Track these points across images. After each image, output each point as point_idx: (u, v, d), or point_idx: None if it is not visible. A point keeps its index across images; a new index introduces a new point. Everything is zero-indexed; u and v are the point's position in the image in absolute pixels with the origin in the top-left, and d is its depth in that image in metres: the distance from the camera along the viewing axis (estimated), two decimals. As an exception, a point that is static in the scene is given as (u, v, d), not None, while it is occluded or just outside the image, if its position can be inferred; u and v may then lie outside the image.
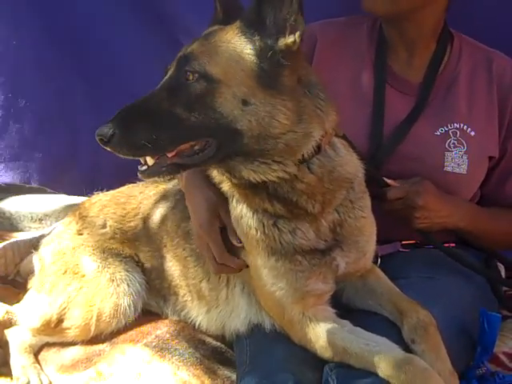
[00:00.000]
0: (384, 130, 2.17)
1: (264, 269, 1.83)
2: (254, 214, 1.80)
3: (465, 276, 2.08)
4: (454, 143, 2.16)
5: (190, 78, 1.56)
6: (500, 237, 2.26)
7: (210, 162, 1.69)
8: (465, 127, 2.17)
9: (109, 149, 1.53)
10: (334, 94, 2.07)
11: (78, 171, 3.49)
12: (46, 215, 3.47)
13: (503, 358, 2.06)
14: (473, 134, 2.17)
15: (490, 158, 2.22)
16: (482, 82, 2.21)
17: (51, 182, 3.53)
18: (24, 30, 3.23)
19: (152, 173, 1.64)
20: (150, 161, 1.61)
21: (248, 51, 1.60)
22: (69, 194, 3.51)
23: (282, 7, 1.55)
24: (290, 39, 1.58)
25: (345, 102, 2.13)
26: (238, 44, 1.61)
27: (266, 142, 1.61)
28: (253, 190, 1.73)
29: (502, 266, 2.36)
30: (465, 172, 2.15)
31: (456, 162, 2.15)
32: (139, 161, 1.64)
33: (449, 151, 2.16)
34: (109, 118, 1.54)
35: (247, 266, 1.93)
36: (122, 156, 1.56)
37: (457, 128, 2.17)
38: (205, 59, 1.58)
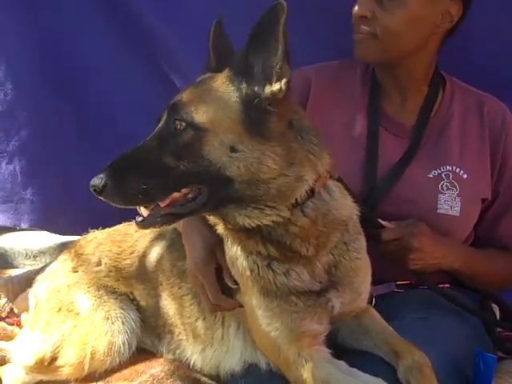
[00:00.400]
0: (378, 172, 2.20)
1: (259, 309, 1.83)
2: (248, 255, 1.81)
3: (460, 317, 2.09)
4: (446, 186, 2.19)
5: (178, 126, 1.61)
6: (494, 278, 2.28)
7: (203, 210, 1.71)
8: (457, 170, 2.21)
9: (102, 198, 1.59)
10: (328, 136, 2.10)
11: (71, 212, 3.45)
12: (41, 252, 3.47)
13: (499, 400, 2.05)
14: (465, 176, 2.21)
15: (483, 199, 2.26)
16: (473, 125, 2.26)
17: (43, 224, 3.50)
18: (21, 74, 3.25)
19: (147, 224, 1.69)
20: (144, 211, 1.68)
21: (235, 99, 1.63)
22: (62, 234, 3.52)
23: (268, 55, 1.59)
24: (275, 87, 1.61)
25: (338, 145, 2.16)
26: (226, 92, 1.65)
27: (257, 187, 1.63)
28: (246, 234, 1.75)
29: (497, 307, 2.37)
30: (458, 214, 2.18)
31: (449, 204, 2.18)
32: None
33: (442, 193, 2.18)
34: (103, 165, 1.61)
35: (241, 306, 1.94)
36: (115, 205, 1.62)
37: (449, 170, 2.21)
38: (192, 108, 1.62)
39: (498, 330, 2.34)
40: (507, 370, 2.16)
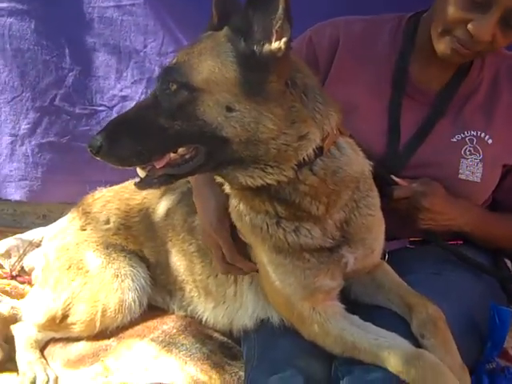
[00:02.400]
0: (401, 137, 2.14)
1: (271, 265, 1.82)
2: (256, 214, 1.79)
3: (473, 272, 2.07)
4: (470, 150, 2.12)
5: (173, 88, 1.58)
6: (506, 242, 2.23)
7: (202, 171, 1.69)
8: (482, 135, 2.13)
9: (98, 158, 1.59)
10: (352, 97, 2.10)
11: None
12: (50, 211, 3.47)
13: (514, 353, 2.06)
14: (490, 141, 2.13)
15: (504, 165, 2.18)
16: (503, 90, 2.16)
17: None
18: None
19: (144, 185, 1.69)
20: (140, 172, 1.65)
21: (231, 58, 1.58)
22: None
23: (269, 13, 1.53)
24: (275, 45, 1.55)
25: (362, 107, 2.14)
26: (223, 51, 1.60)
27: (256, 147, 1.60)
28: (253, 192, 1.72)
29: (510, 262, 2.34)
30: (478, 180, 2.12)
31: (470, 169, 2.12)
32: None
33: (464, 158, 2.12)
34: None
35: (257, 271, 1.93)
36: (112, 165, 1.62)
37: (474, 135, 2.13)
38: (187, 68, 1.59)
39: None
40: (521, 325, 2.16)
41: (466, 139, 2.13)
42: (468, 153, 2.12)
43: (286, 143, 1.61)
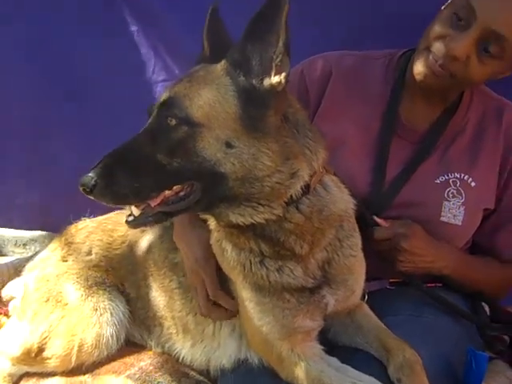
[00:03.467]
0: (386, 177, 2.16)
1: (250, 302, 1.81)
2: (240, 251, 1.78)
3: (452, 316, 2.07)
4: (453, 193, 2.14)
5: (172, 123, 1.55)
6: (487, 287, 2.23)
7: (196, 209, 1.67)
8: (466, 177, 2.15)
9: (92, 198, 1.53)
10: (341, 131, 2.12)
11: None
12: (31, 240, 3.45)
13: (488, 398, 2.04)
14: (473, 184, 2.15)
15: (485, 209, 2.21)
16: (489, 132, 2.19)
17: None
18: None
19: (139, 223, 1.65)
20: (135, 210, 1.61)
21: (232, 93, 1.58)
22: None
23: (267, 47, 1.53)
24: (275, 80, 1.56)
25: (350, 143, 2.16)
26: (222, 85, 1.59)
27: (251, 185, 1.60)
28: (238, 230, 1.72)
29: (487, 307, 2.33)
30: (460, 223, 2.14)
31: (452, 212, 2.13)
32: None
33: (447, 201, 2.14)
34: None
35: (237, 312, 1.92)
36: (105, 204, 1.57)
37: (457, 178, 2.15)
38: (186, 103, 1.56)
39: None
40: (496, 370, 2.15)
41: (450, 181, 2.15)
42: (451, 195, 2.14)
43: (280, 181, 1.61)
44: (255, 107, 1.57)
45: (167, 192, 1.59)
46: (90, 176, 1.50)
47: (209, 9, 1.78)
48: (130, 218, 1.63)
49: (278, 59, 1.54)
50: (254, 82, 1.57)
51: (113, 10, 3.12)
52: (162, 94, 1.69)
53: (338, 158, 2.08)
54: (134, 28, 3.14)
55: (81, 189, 1.51)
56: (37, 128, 3.36)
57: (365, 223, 2.03)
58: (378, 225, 2.08)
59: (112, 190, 1.52)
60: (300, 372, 1.77)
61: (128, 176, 1.52)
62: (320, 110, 2.25)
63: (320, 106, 2.25)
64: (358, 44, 2.49)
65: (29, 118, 3.34)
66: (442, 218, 2.13)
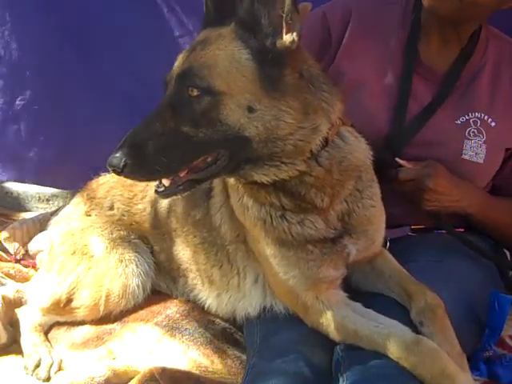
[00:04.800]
0: (406, 116, 2.16)
1: (275, 258, 1.84)
2: (261, 206, 1.80)
3: (473, 260, 2.10)
4: (473, 132, 2.15)
5: (194, 93, 1.55)
6: (506, 228, 2.24)
7: (223, 173, 1.69)
8: (485, 117, 2.16)
9: (123, 177, 1.56)
10: (360, 73, 2.13)
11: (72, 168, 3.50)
12: (54, 195, 3.50)
13: (509, 341, 2.07)
14: (493, 124, 2.16)
15: (507, 149, 2.21)
16: (506, 75, 2.19)
17: (46, 180, 3.57)
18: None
19: (170, 193, 1.66)
20: (165, 180, 1.62)
21: (246, 56, 1.58)
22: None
23: (275, 5, 1.52)
24: (288, 39, 1.55)
25: (370, 84, 2.16)
26: (236, 50, 1.59)
27: (274, 144, 1.61)
28: (259, 185, 1.73)
29: (508, 252, 2.36)
30: (482, 161, 2.15)
31: (474, 150, 2.15)
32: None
33: (468, 139, 2.15)
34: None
35: None
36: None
37: (477, 117, 2.16)
38: (205, 72, 1.56)
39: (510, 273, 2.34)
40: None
41: (470, 121, 2.16)
42: (472, 134, 2.15)
43: (302, 138, 1.63)
44: (271, 68, 1.57)
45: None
46: (119, 156, 1.51)
47: None
48: (161, 189, 1.64)
49: (288, 17, 1.52)
50: (266, 42, 1.57)
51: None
52: (176, 62, 1.69)
53: (359, 98, 2.11)
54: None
55: (110, 169, 1.53)
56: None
57: (387, 166, 2.04)
58: (400, 166, 2.09)
59: (142, 168, 1.54)
60: (325, 319, 1.80)
61: (156, 152, 1.53)
62: (340, 51, 2.25)
63: (341, 46, 2.25)
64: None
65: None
66: (464, 156, 2.15)
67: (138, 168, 1.53)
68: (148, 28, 3.19)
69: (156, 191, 1.66)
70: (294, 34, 1.55)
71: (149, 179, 1.62)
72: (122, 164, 1.50)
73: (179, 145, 1.55)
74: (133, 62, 3.23)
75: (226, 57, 1.58)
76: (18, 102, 3.36)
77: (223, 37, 1.62)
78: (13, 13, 3.23)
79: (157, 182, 1.66)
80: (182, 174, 1.61)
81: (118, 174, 1.53)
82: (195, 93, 1.55)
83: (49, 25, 3.24)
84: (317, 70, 1.73)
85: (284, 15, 1.53)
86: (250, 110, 1.56)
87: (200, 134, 1.55)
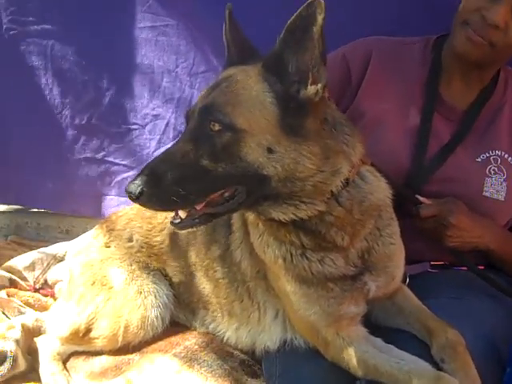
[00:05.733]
0: (427, 152, 2.20)
1: (295, 295, 1.85)
2: (281, 244, 1.82)
3: (494, 298, 2.09)
4: (494, 170, 2.19)
5: (215, 128, 1.57)
6: None
7: (240, 208, 1.72)
8: (506, 155, 2.20)
9: (139, 205, 1.58)
10: (381, 112, 2.16)
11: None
12: (73, 226, 3.52)
13: (530, 380, 2.06)
14: None
15: None
16: None
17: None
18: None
19: (185, 225, 1.67)
20: (181, 213, 1.64)
21: (270, 99, 1.60)
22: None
23: (304, 54, 1.55)
24: (312, 90, 1.59)
25: (391, 122, 2.20)
26: (261, 92, 1.61)
27: (293, 184, 1.63)
28: (279, 223, 1.75)
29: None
30: (503, 199, 2.18)
31: (495, 188, 2.18)
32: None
33: (489, 177, 2.18)
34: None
35: None
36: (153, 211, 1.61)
37: (498, 155, 2.20)
38: (228, 109, 1.59)
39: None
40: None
41: (491, 158, 2.20)
42: (492, 172, 2.19)
43: (322, 180, 1.65)
44: (294, 115, 1.60)
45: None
46: (137, 183, 1.53)
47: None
48: (177, 221, 1.66)
49: (315, 69, 1.56)
50: (291, 90, 1.60)
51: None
52: (198, 97, 1.73)
53: (379, 136, 2.16)
54: (173, 22, 3.22)
55: (127, 195, 1.55)
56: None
57: (408, 203, 2.07)
58: (420, 203, 2.11)
59: (159, 198, 1.55)
60: (346, 354, 1.80)
61: (174, 183, 1.55)
62: (361, 90, 2.30)
63: (361, 86, 2.30)
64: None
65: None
66: (485, 193, 2.18)
67: (154, 197, 1.55)
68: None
69: (172, 223, 1.67)
70: (319, 85, 1.58)
71: (165, 209, 1.64)
72: (138, 191, 1.52)
73: (198, 178, 1.57)
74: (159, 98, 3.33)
75: (250, 97, 1.61)
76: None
77: (250, 76, 1.65)
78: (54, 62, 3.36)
79: (173, 214, 1.68)
80: (198, 207, 1.63)
81: (134, 200, 1.55)
82: (217, 127, 1.58)
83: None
84: (339, 113, 1.78)
85: (311, 66, 1.56)
86: (270, 150, 1.58)
87: (219, 169, 1.57)
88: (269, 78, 1.62)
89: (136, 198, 1.54)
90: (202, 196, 1.60)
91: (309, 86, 1.59)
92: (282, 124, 1.59)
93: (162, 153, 1.66)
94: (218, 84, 1.69)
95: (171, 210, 1.66)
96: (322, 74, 1.57)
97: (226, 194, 1.64)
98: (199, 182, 1.58)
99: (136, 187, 1.53)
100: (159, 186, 1.54)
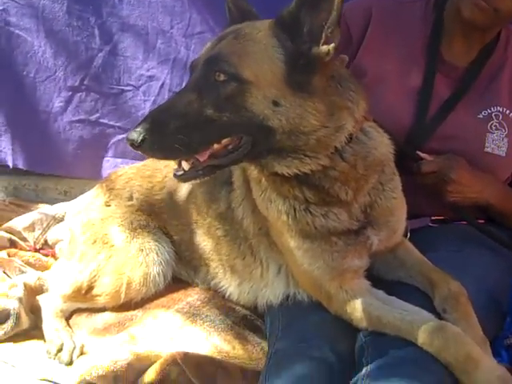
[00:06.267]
0: (429, 110, 2.19)
1: (299, 250, 1.86)
2: (284, 199, 1.83)
3: (494, 250, 2.12)
4: (495, 125, 2.19)
5: (221, 78, 1.57)
6: None
7: (244, 160, 1.72)
8: (507, 111, 2.20)
9: (140, 152, 1.55)
10: (384, 71, 2.16)
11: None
12: (71, 187, 3.52)
13: (530, 329, 2.09)
14: None
15: None
16: None
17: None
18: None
19: (189, 177, 1.67)
20: (184, 164, 1.63)
21: (278, 55, 1.60)
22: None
23: (320, 15, 1.55)
24: (324, 50, 1.58)
25: (393, 81, 2.20)
26: (270, 46, 1.61)
27: (297, 138, 1.63)
28: (282, 178, 1.75)
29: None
30: (504, 154, 2.19)
31: (496, 143, 2.18)
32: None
33: (490, 133, 2.18)
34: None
35: None
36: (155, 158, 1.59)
37: (499, 111, 2.20)
38: (235, 60, 1.58)
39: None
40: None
41: (492, 115, 2.20)
42: (494, 128, 2.19)
43: (326, 135, 1.66)
44: (301, 72, 1.60)
45: (215, 146, 1.62)
46: (139, 131, 1.52)
47: None
48: (180, 172, 1.65)
49: (330, 30, 1.55)
50: (302, 48, 1.60)
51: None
52: (204, 49, 1.71)
53: (381, 94, 2.15)
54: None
55: (128, 143, 1.53)
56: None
57: (410, 159, 2.08)
58: (421, 159, 2.12)
59: (161, 145, 1.54)
60: (349, 307, 1.82)
61: (177, 130, 1.54)
62: (362, 49, 2.29)
63: (362, 44, 2.29)
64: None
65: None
66: (486, 149, 2.18)
67: (156, 144, 1.53)
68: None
69: (175, 175, 1.67)
70: (331, 45, 1.58)
71: (167, 157, 1.62)
72: (140, 138, 1.51)
73: (201, 126, 1.57)
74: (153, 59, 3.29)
75: (259, 50, 1.61)
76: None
77: (259, 30, 1.64)
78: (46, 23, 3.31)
79: (176, 166, 1.67)
80: (202, 159, 1.62)
81: (136, 148, 1.53)
82: (222, 78, 1.57)
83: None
84: (344, 69, 1.78)
85: (326, 26, 1.55)
86: (275, 103, 1.58)
87: (224, 118, 1.57)
88: (279, 34, 1.61)
89: (138, 146, 1.52)
90: (206, 144, 1.60)
91: (321, 46, 1.58)
92: (289, 80, 1.59)
93: (165, 102, 1.65)
94: (224, 36, 1.68)
95: (174, 159, 1.64)
96: (335, 36, 1.57)
97: (230, 146, 1.63)
98: (203, 130, 1.57)
99: (138, 134, 1.51)
100: (162, 134, 1.53)
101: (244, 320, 2.19)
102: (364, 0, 2.36)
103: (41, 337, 2.25)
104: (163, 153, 1.57)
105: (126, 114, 3.39)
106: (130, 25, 3.26)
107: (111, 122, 3.41)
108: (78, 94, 3.40)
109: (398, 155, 1.94)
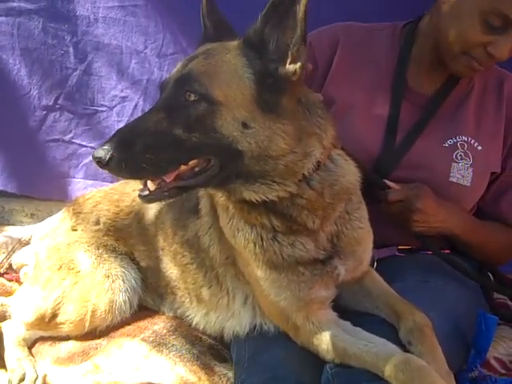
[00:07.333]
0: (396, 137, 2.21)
1: (265, 281, 1.85)
2: (251, 227, 1.82)
3: (459, 281, 2.13)
4: (461, 155, 2.21)
5: (191, 98, 1.56)
6: (492, 250, 2.30)
7: (211, 183, 1.69)
8: (472, 141, 2.22)
9: (107, 171, 1.52)
10: (351, 98, 2.17)
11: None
12: (38, 210, 3.47)
13: (494, 363, 2.12)
14: (479, 148, 2.22)
15: (492, 173, 2.27)
16: (491, 101, 2.26)
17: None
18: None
19: (154, 198, 1.64)
20: (150, 185, 1.61)
21: (248, 75, 1.60)
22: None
23: (285, 32, 1.55)
24: (290, 69, 1.59)
25: (360, 108, 2.21)
26: (240, 66, 1.61)
27: (266, 162, 1.63)
28: (250, 205, 1.74)
29: (491, 275, 2.39)
30: (468, 184, 2.20)
31: (461, 173, 2.20)
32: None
33: (455, 162, 2.20)
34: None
35: None
36: (120, 178, 1.56)
37: (465, 141, 2.22)
38: (206, 80, 1.57)
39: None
40: (501, 335, 2.24)
41: (458, 144, 2.22)
42: (459, 157, 2.21)
43: (294, 161, 1.65)
44: (270, 92, 1.60)
45: (182, 167, 1.60)
46: (106, 149, 1.48)
47: None
48: (145, 193, 1.62)
49: (295, 48, 1.56)
50: (270, 67, 1.60)
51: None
52: (174, 68, 1.70)
53: (349, 122, 2.17)
54: (141, 2, 3.17)
55: (95, 161, 1.50)
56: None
57: (376, 188, 2.09)
58: (389, 188, 2.13)
59: (129, 164, 1.50)
60: (316, 338, 1.81)
61: (145, 150, 1.51)
62: (329, 78, 2.30)
63: (329, 73, 2.30)
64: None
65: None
66: (452, 179, 2.20)
67: (124, 163, 1.49)
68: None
69: (140, 195, 1.64)
70: (298, 64, 1.58)
71: (134, 177, 1.58)
72: (107, 157, 1.47)
73: (170, 146, 1.54)
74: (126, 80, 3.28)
75: (228, 70, 1.60)
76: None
77: (228, 50, 1.65)
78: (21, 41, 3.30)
79: (141, 187, 1.64)
80: (168, 180, 1.59)
81: (103, 167, 1.49)
82: (192, 98, 1.56)
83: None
84: (313, 96, 1.78)
85: (291, 45, 1.56)
86: (245, 125, 1.58)
87: (193, 139, 1.55)
88: (248, 53, 1.62)
89: (105, 164, 1.49)
90: (174, 165, 1.58)
91: (287, 65, 1.58)
92: (259, 100, 1.59)
93: (133, 120, 1.64)
94: (195, 56, 1.68)
95: (141, 178, 1.61)
96: (301, 54, 1.57)
97: (196, 168, 1.62)
98: (171, 150, 1.55)
99: (106, 152, 1.48)
100: (129, 152, 1.50)
101: (210, 350, 2.17)
102: (331, 28, 2.38)
103: (3, 365, 2.20)
104: (130, 172, 1.54)
105: (100, 135, 3.36)
106: (104, 44, 3.26)
107: (84, 143, 3.40)
108: (52, 114, 3.38)
109: (365, 183, 1.94)
